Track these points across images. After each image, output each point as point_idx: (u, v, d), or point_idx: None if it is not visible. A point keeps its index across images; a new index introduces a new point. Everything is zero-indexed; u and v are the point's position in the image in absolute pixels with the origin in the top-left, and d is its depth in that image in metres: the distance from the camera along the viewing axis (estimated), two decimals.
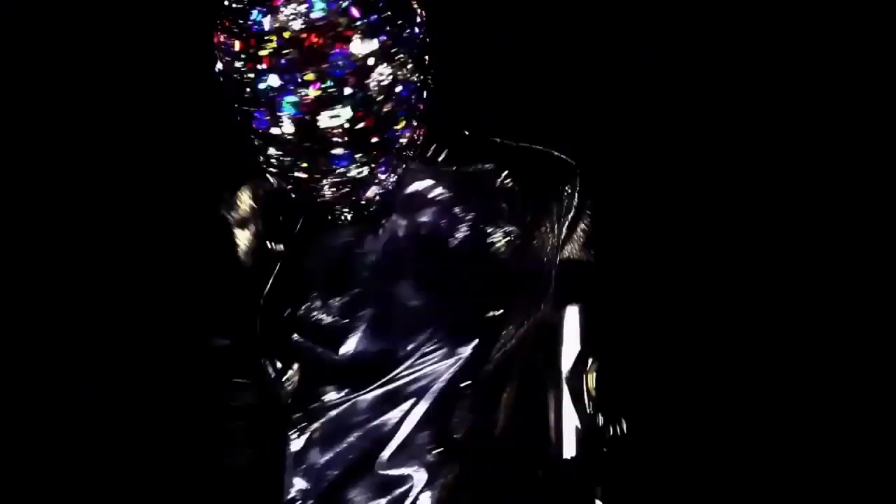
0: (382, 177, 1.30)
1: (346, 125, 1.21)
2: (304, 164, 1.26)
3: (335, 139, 1.22)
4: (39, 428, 2.12)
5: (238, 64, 1.20)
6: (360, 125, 1.21)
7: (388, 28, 1.19)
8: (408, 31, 1.22)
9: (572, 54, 2.17)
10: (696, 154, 2.23)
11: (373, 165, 1.27)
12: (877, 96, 2.18)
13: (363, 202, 1.33)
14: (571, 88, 2.18)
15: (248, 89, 1.21)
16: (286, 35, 1.16)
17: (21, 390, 2.13)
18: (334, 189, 1.28)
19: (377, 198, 1.34)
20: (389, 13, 1.20)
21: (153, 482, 1.87)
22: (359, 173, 1.27)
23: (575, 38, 2.17)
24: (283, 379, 1.38)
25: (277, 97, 1.19)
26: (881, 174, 2.21)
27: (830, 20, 2.13)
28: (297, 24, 1.16)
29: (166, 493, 1.82)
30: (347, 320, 1.37)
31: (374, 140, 1.24)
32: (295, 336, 1.38)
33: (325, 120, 1.20)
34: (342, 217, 1.36)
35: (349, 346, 1.37)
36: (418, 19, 1.26)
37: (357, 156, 1.25)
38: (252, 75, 1.19)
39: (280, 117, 1.21)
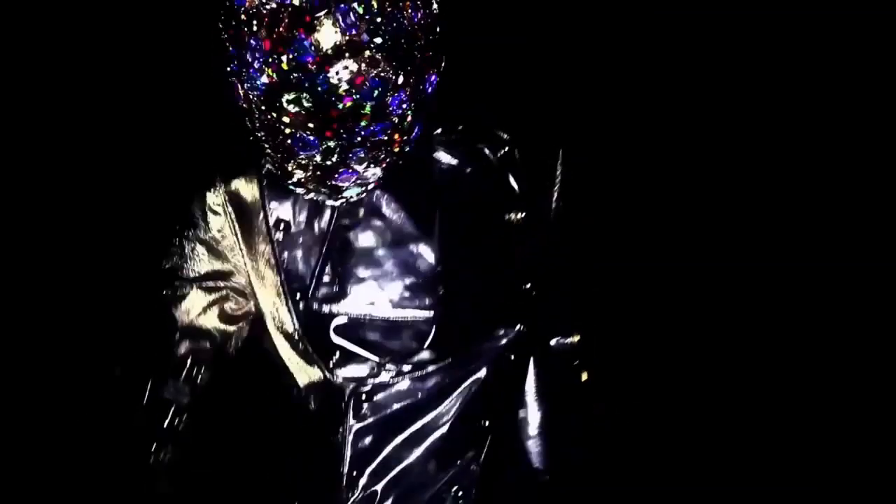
0: (359, 168, 1.28)
1: (305, 111, 1.19)
2: (268, 142, 1.26)
3: (295, 123, 1.21)
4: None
5: (224, 37, 1.22)
6: (321, 114, 1.19)
7: (359, 22, 1.17)
8: (388, 27, 1.19)
9: (573, 56, 2.18)
10: (693, 154, 2.25)
11: (341, 155, 1.25)
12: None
13: (341, 189, 1.31)
14: (571, 90, 2.19)
15: (227, 63, 1.23)
16: (258, 14, 1.17)
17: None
18: (301, 171, 1.27)
19: (363, 187, 1.32)
20: (363, 7, 1.18)
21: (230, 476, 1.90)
22: (325, 161, 1.25)
23: (575, 41, 2.18)
24: (332, 366, 1.38)
25: (244, 73, 1.20)
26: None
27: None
28: (269, 6, 1.16)
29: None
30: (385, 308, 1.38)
31: (338, 131, 1.22)
32: (337, 321, 1.37)
33: (284, 103, 1.19)
34: (321, 199, 1.34)
35: (394, 331, 1.39)
36: (408, 16, 1.21)
37: (323, 144, 1.23)
38: (231, 49, 1.21)
39: (248, 94, 1.21)
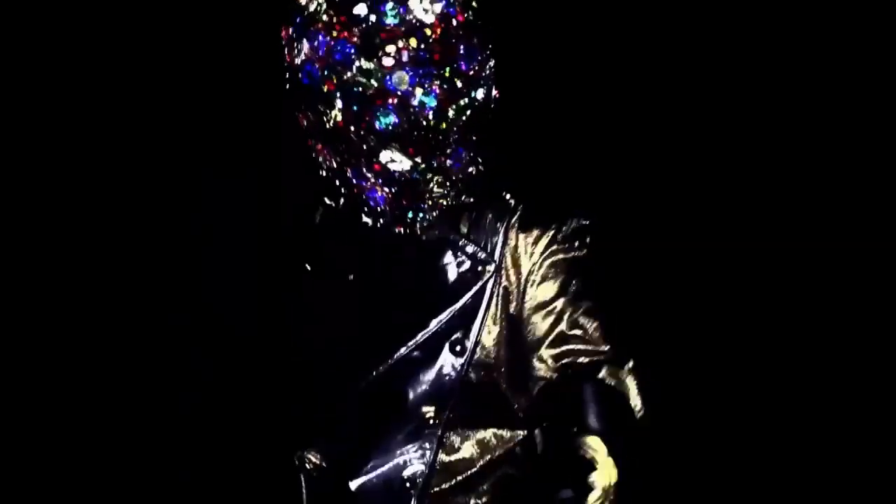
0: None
1: (469, 117, 1.09)
2: (423, 165, 1.11)
3: (457, 133, 1.09)
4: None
5: (357, 63, 1.07)
6: (479, 116, 1.09)
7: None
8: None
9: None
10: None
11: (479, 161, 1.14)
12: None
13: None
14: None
15: (368, 89, 1.07)
16: (414, 29, 1.05)
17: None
18: (442, 191, 1.15)
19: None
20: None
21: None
22: (469, 171, 1.14)
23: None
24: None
25: (408, 93, 1.06)
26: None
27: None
28: (427, 18, 1.06)
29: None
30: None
31: (489, 131, 1.13)
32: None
33: (452, 113, 1.07)
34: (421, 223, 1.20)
35: None
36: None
37: (470, 152, 1.12)
38: (379, 73, 1.06)
39: (412, 113, 1.07)
